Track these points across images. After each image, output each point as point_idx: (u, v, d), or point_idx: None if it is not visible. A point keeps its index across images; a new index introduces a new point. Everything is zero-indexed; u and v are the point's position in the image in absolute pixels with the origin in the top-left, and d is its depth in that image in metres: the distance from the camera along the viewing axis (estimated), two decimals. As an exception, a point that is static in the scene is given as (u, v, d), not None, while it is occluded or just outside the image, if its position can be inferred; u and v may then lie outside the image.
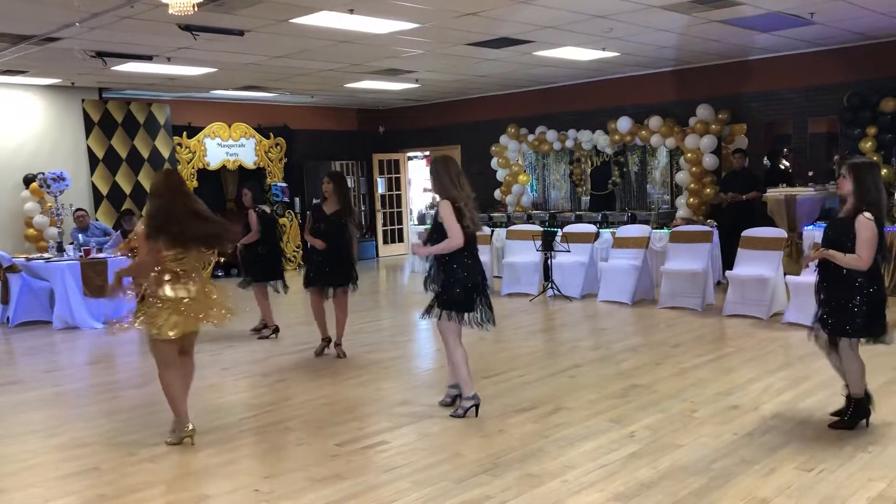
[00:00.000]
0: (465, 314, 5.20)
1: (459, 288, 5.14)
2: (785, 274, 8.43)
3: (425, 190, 18.89)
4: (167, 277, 4.81)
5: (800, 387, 5.73)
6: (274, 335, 8.25)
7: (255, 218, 8.14)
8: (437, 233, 5.16)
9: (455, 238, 5.05)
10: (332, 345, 7.29)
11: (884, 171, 10.09)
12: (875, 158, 10.03)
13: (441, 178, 5.17)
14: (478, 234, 5.28)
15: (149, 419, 5.49)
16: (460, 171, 5.25)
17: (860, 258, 4.46)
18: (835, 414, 4.89)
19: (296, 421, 5.33)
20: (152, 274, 4.81)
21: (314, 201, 7.30)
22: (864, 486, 3.87)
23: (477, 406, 5.29)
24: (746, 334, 7.66)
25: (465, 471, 4.26)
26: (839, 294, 4.59)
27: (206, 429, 5.17)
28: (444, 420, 5.23)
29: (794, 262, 10.08)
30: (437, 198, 5.26)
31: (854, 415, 4.73)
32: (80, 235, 10.27)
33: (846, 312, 4.57)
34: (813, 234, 8.60)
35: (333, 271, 7.11)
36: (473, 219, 5.16)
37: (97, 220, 11.70)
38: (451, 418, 5.23)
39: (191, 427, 4.90)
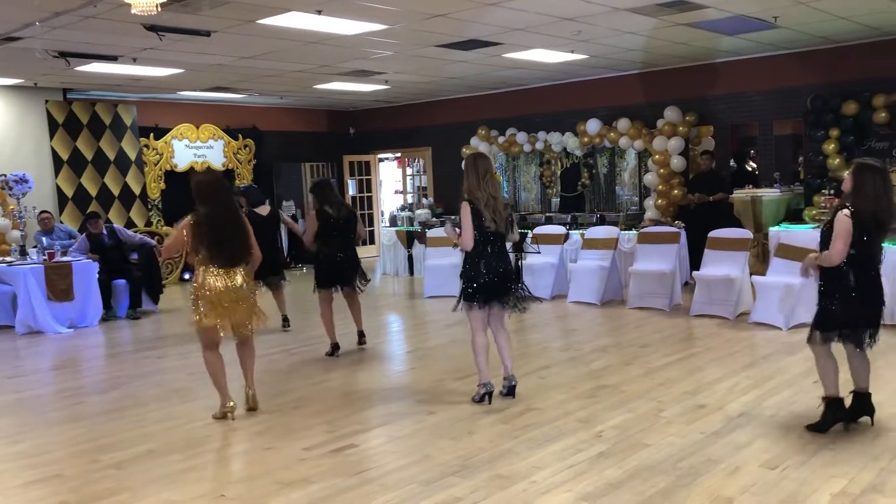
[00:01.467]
0: (481, 304, 5.48)
1: (466, 282, 5.47)
2: (751, 274, 8.54)
3: (396, 192, 18.85)
4: (210, 268, 5.27)
5: (765, 386, 5.80)
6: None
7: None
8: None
9: (465, 242, 5.36)
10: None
11: (845, 173, 10.26)
12: (840, 159, 10.22)
13: (468, 177, 5.40)
14: (499, 231, 5.44)
15: (114, 425, 5.41)
16: (489, 170, 5.45)
17: (829, 252, 4.50)
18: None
19: (264, 425, 5.29)
20: (197, 264, 5.32)
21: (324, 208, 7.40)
22: (826, 483, 3.93)
23: (489, 394, 5.52)
24: (713, 334, 7.75)
25: (434, 473, 4.25)
26: (823, 290, 4.69)
27: (173, 434, 5.12)
28: (413, 422, 5.22)
29: (760, 262, 10.22)
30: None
31: (825, 417, 4.69)
32: (44, 238, 10.10)
33: (819, 307, 4.69)
34: (778, 234, 8.72)
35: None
36: (495, 218, 5.36)
37: (62, 222, 11.51)
38: (421, 420, 5.23)
39: (231, 403, 5.42)
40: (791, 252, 7.90)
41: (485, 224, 5.33)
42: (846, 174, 4.74)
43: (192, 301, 5.32)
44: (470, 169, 5.41)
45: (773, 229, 9.18)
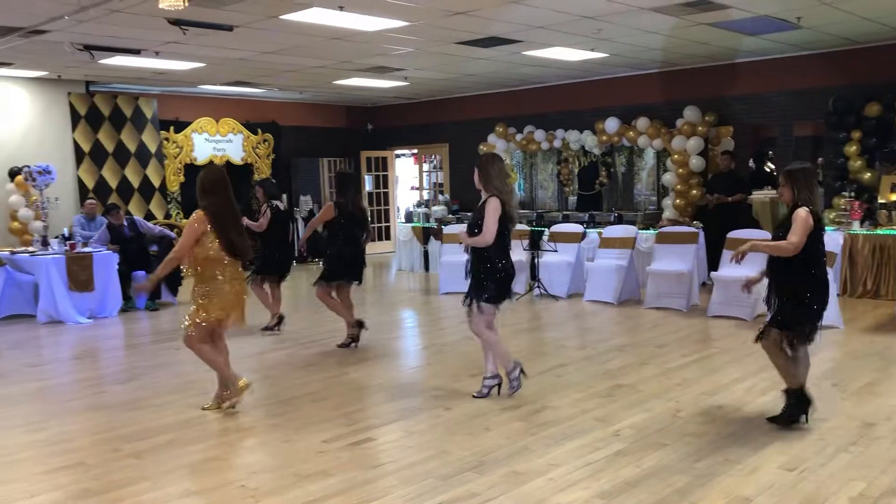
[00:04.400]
0: (497, 303, 5.57)
1: (488, 281, 5.49)
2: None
3: (412, 188, 18.89)
4: (225, 261, 5.31)
5: (782, 387, 5.76)
6: (277, 328, 8.34)
7: (268, 214, 8.18)
8: (478, 227, 5.47)
9: (487, 235, 5.37)
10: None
11: (867, 175, 10.20)
12: (861, 161, 10.15)
13: (493, 176, 5.47)
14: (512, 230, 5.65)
15: (134, 414, 5.47)
16: (505, 169, 5.64)
17: (789, 242, 4.56)
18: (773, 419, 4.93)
19: (282, 417, 5.33)
20: (208, 259, 5.28)
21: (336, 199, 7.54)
22: (845, 486, 3.92)
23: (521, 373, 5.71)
24: (731, 335, 7.72)
25: (452, 468, 4.28)
26: (782, 292, 4.76)
27: (192, 425, 5.17)
28: (430, 417, 5.25)
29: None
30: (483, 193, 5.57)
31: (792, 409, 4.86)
32: (81, 225, 10.33)
33: (791, 308, 4.74)
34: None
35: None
36: (513, 218, 5.56)
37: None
38: (438, 416, 5.26)
39: (244, 380, 5.52)
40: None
41: (509, 224, 5.49)
42: (780, 184, 4.83)
43: (201, 295, 5.28)
44: (494, 167, 5.50)
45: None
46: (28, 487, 4.17)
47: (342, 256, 7.42)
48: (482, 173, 5.49)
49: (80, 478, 4.29)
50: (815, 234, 4.63)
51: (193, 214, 5.30)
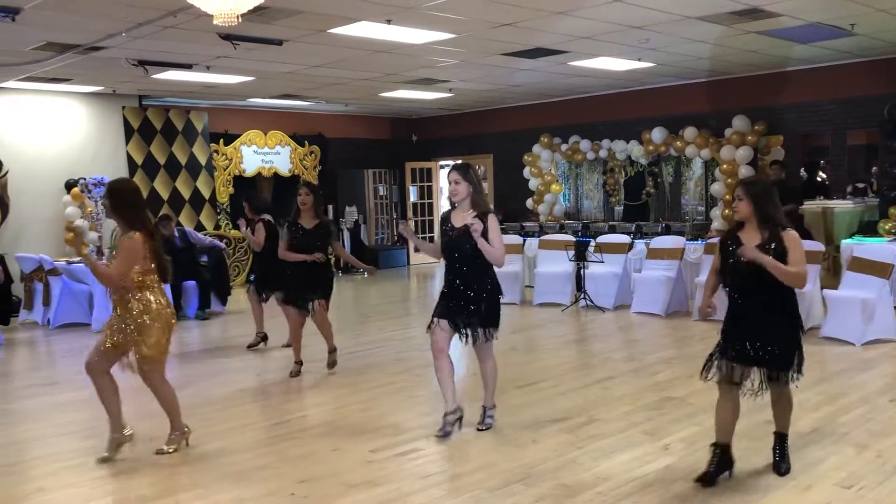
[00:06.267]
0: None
1: (497, 303, 5.11)
2: (822, 288, 8.31)
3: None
4: (156, 286, 4.76)
5: (837, 402, 5.64)
6: (262, 343, 8.13)
7: (262, 228, 7.87)
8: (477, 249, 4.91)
9: (504, 257, 4.97)
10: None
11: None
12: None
13: (480, 189, 5.03)
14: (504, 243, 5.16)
15: (186, 422, 5.55)
16: None
17: (799, 270, 3.99)
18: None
19: (329, 427, 5.38)
20: (141, 284, 4.69)
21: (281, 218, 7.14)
22: (905, 505, 3.82)
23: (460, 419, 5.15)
24: (782, 348, 7.54)
25: (499, 480, 4.27)
26: (773, 325, 4.20)
27: (242, 433, 5.25)
28: (477, 429, 5.23)
29: (831, 275, 9.94)
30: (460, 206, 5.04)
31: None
32: None
33: (795, 341, 4.23)
34: (851, 247, 8.46)
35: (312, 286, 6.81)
36: None
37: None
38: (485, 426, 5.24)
39: (128, 431, 4.93)
40: (866, 266, 7.69)
41: None
42: (737, 198, 4.19)
43: (145, 326, 4.66)
44: (478, 180, 5.02)
45: (845, 242, 8.93)
46: (84, 493, 4.28)
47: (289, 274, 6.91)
48: (472, 186, 4.94)
49: (133, 484, 4.38)
50: None
51: (136, 235, 4.61)
